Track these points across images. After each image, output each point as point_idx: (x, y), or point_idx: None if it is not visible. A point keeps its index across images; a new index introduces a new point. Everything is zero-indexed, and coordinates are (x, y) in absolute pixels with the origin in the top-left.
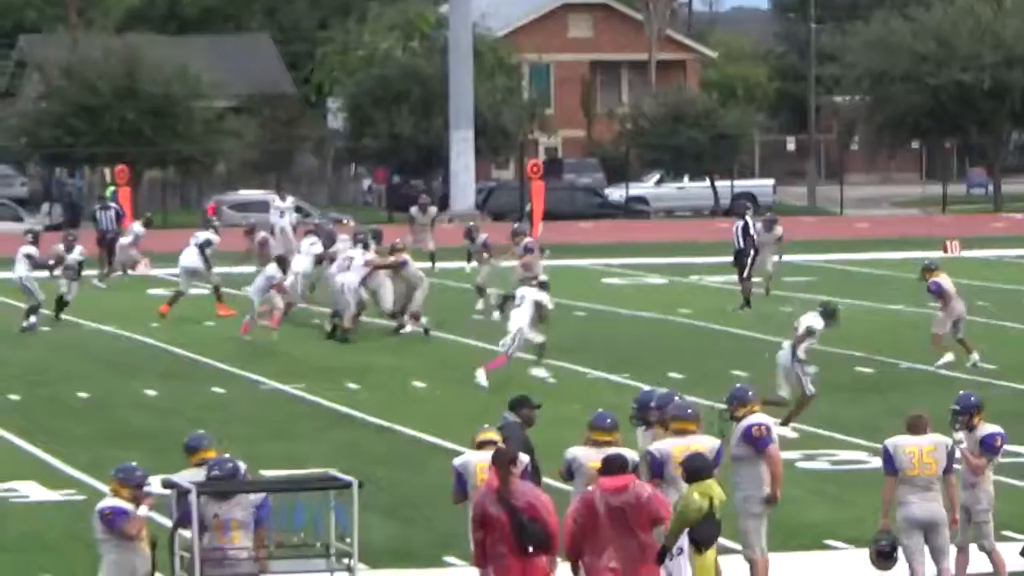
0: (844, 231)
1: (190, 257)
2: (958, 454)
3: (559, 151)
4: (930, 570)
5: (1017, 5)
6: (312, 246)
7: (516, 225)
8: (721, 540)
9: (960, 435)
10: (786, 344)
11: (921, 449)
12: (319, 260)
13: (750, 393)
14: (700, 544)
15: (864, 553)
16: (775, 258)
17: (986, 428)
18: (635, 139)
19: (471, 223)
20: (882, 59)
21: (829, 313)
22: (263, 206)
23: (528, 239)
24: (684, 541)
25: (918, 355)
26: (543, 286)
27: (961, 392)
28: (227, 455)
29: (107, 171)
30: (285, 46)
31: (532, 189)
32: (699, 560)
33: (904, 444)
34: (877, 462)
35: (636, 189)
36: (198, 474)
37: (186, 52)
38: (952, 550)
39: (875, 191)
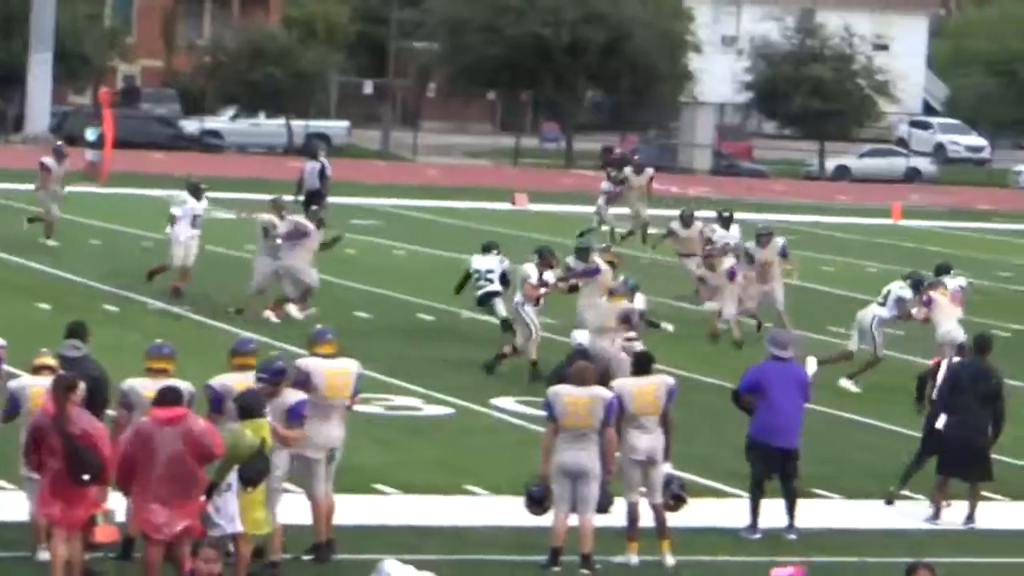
0: (416, 177)
1: None
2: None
3: (138, 80)
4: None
5: None
6: (184, 205)
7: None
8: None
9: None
10: (873, 307)
11: (577, 400)
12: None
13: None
14: (248, 481)
15: (413, 499)
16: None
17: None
18: (214, 72)
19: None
20: (462, 7)
21: (916, 283)
22: None
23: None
24: (233, 477)
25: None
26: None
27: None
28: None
29: None
30: None
31: (103, 116)
32: (246, 497)
33: (564, 393)
34: (431, 409)
35: (211, 123)
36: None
37: None
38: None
39: (449, 139)
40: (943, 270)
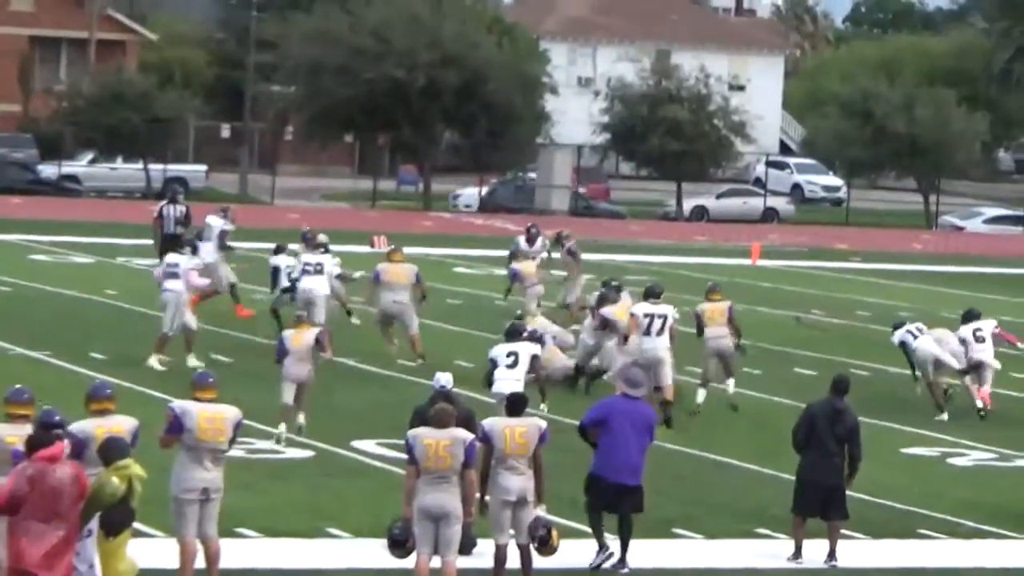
0: (275, 221)
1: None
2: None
3: None
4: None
5: (454, 6)
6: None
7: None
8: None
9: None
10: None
11: (438, 442)
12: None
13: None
14: (110, 529)
15: (275, 542)
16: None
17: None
18: (71, 117)
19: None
20: (319, 51)
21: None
22: None
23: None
24: (95, 524)
25: (355, 350)
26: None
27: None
28: None
29: None
30: None
31: None
32: (107, 544)
33: (423, 436)
34: (292, 452)
35: (69, 167)
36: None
37: None
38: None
39: (307, 182)
40: (971, 316)
